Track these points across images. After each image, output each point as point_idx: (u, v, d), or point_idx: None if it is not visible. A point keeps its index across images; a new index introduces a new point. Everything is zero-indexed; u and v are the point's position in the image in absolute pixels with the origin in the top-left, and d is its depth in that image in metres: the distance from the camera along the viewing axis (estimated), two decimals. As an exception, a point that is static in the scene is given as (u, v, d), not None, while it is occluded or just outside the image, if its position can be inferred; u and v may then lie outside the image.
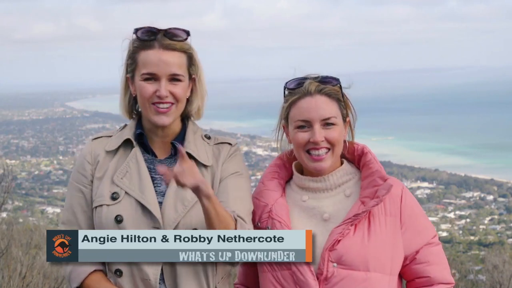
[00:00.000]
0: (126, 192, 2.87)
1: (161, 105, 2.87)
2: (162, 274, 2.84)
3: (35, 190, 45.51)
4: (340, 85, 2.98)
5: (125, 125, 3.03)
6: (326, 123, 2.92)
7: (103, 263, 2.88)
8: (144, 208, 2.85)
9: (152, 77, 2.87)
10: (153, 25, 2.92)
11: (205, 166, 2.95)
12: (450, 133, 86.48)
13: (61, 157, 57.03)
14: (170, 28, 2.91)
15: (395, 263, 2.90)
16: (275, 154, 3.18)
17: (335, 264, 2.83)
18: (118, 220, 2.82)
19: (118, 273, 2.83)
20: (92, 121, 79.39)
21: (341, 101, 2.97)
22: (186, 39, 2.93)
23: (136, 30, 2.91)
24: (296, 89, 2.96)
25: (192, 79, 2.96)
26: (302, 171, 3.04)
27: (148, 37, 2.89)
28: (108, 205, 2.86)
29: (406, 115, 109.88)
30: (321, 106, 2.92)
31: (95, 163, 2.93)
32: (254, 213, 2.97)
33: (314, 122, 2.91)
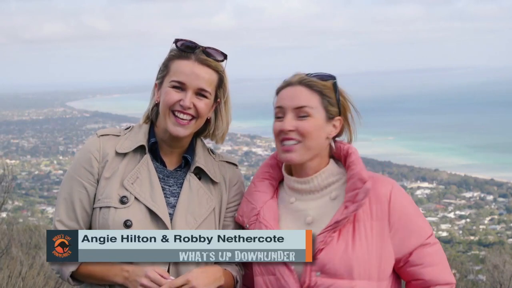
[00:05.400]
0: (135, 198, 2.87)
1: (181, 116, 2.89)
2: None
3: (35, 190, 45.44)
4: (334, 83, 2.92)
5: (131, 127, 3.02)
6: (299, 114, 2.85)
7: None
8: (153, 216, 2.86)
9: (180, 86, 2.89)
10: (194, 40, 2.94)
11: (213, 182, 3.01)
12: (451, 133, 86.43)
13: (61, 157, 56.95)
14: (209, 47, 2.94)
15: (383, 268, 2.82)
16: (275, 154, 3.16)
17: (318, 273, 2.77)
18: (128, 225, 2.82)
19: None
20: (92, 121, 79.28)
21: (327, 96, 2.89)
22: (222, 60, 2.96)
23: (177, 40, 2.94)
24: (283, 82, 2.95)
25: (217, 101, 2.99)
26: (291, 171, 2.99)
27: (186, 49, 2.92)
28: (116, 208, 2.85)
29: (406, 115, 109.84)
30: (297, 95, 2.87)
31: (103, 161, 2.91)
32: (243, 215, 2.96)
33: (286, 110, 2.87)
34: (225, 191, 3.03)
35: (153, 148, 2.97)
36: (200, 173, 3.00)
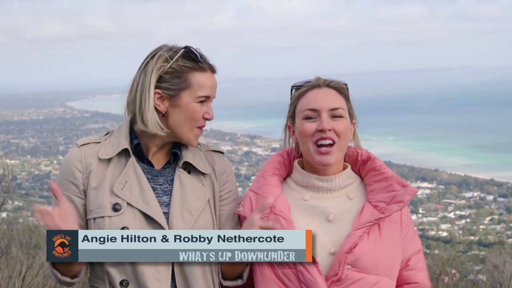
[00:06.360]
0: (128, 203, 2.84)
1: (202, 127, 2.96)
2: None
3: (35, 190, 45.42)
4: (347, 88, 3.03)
5: (111, 132, 2.98)
6: (334, 115, 2.93)
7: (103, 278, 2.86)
8: (148, 219, 2.85)
9: (204, 100, 2.93)
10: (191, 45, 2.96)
11: (203, 174, 3.00)
12: (451, 133, 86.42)
13: (61, 157, 56.87)
14: (201, 53, 2.97)
15: (397, 268, 2.95)
16: (276, 154, 3.17)
17: (349, 267, 2.82)
18: None
19: (125, 283, 2.83)
20: (92, 121, 79.28)
21: (349, 100, 3.01)
22: None
23: (187, 49, 2.91)
24: (304, 85, 2.99)
25: None
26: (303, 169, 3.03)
27: (200, 60, 2.92)
28: (110, 216, 2.83)
29: (406, 115, 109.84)
30: (329, 96, 2.95)
31: (86, 171, 2.88)
32: (253, 208, 2.96)
33: (322, 110, 2.91)
34: (215, 181, 3.01)
35: (137, 149, 2.93)
36: (189, 167, 2.98)
